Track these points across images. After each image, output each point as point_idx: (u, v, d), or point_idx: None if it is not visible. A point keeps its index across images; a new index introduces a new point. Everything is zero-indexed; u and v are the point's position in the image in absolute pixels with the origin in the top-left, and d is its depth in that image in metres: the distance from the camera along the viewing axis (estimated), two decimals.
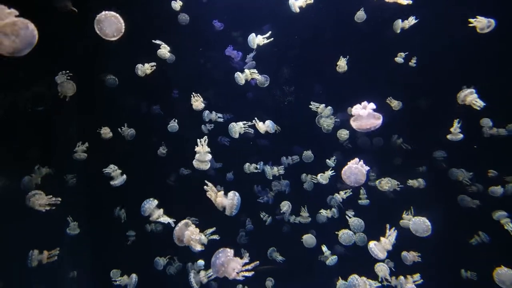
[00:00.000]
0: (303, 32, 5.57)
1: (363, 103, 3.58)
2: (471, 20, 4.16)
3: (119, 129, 5.44)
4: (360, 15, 5.07)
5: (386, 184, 5.22)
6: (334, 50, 5.43)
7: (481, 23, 4.14)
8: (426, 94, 5.50)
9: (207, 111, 5.65)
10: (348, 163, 3.83)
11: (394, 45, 5.11)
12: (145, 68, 5.04)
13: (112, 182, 4.85)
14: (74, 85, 4.85)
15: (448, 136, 4.90)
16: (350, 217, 5.08)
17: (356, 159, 3.80)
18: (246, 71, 5.08)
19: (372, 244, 3.88)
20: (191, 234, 3.38)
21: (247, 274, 3.10)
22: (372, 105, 3.55)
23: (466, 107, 4.38)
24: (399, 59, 5.12)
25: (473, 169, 5.43)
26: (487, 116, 5.00)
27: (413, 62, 5.14)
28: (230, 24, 5.59)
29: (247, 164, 5.81)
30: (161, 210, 3.81)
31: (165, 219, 3.78)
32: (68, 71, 4.77)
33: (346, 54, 5.27)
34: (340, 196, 5.46)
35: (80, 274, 5.54)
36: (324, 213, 5.62)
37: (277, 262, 6.08)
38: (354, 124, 3.71)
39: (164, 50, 5.06)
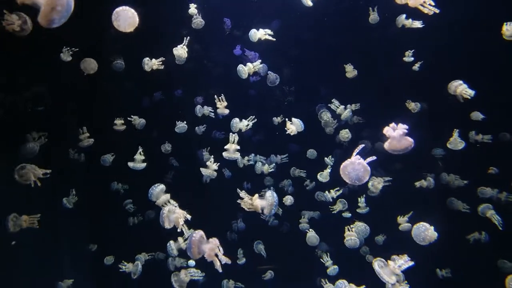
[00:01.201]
0: (307, 31, 5.61)
1: (392, 124, 3.39)
2: (504, 24, 4.17)
3: (128, 118, 5.40)
4: (374, 17, 5.03)
5: (379, 183, 5.08)
6: (339, 51, 5.52)
7: (510, 30, 4.16)
8: (427, 94, 5.52)
9: (199, 106, 5.60)
10: (350, 158, 3.49)
11: (396, 44, 5.14)
12: (152, 64, 5.00)
13: (130, 163, 4.85)
14: (96, 64, 4.85)
15: (448, 145, 4.92)
16: (355, 222, 4.94)
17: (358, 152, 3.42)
18: (249, 64, 5.02)
19: (377, 268, 3.49)
20: (180, 216, 3.36)
21: (218, 267, 2.99)
22: (403, 126, 3.36)
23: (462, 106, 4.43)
24: (408, 58, 5.09)
25: (473, 169, 5.42)
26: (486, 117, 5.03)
27: (416, 66, 5.14)
28: (240, 23, 5.60)
29: (240, 157, 5.68)
30: (168, 195, 3.68)
31: (171, 206, 3.66)
32: (73, 48, 4.72)
33: (351, 54, 5.34)
34: (330, 195, 5.33)
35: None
36: (334, 208, 5.49)
37: (262, 255, 5.96)
38: (388, 146, 3.48)
39: (183, 51, 4.92)
